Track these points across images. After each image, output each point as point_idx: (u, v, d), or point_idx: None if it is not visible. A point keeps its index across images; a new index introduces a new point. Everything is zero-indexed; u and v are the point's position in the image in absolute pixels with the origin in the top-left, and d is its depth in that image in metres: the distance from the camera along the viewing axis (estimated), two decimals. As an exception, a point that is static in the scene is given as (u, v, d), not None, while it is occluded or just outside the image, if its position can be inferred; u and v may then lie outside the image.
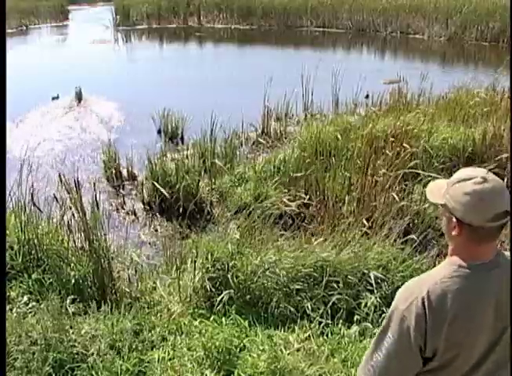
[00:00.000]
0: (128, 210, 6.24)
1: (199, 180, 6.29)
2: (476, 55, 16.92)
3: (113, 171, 6.98)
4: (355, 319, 3.57)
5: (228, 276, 3.74)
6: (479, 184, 1.51)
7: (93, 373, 3.04)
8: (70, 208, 4.15)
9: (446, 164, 6.16)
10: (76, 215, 4.00)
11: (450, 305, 1.52)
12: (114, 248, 4.42)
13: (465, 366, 1.58)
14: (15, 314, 3.39)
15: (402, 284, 1.67)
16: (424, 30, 19.09)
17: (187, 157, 7.11)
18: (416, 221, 5.00)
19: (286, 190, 5.74)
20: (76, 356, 3.15)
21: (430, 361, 1.58)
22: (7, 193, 3.88)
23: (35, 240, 4.04)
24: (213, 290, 3.73)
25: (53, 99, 11.29)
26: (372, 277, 3.75)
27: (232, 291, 3.69)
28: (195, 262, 3.90)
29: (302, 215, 5.32)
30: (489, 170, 1.57)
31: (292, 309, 3.66)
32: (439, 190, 1.61)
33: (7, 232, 4.02)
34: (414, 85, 9.71)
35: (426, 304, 1.52)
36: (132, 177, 7.04)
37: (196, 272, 3.85)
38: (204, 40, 20.79)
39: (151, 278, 4.23)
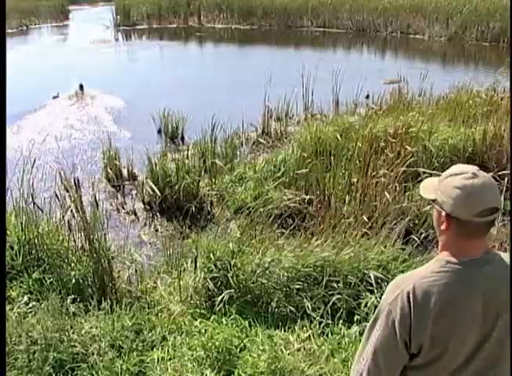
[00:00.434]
0: (129, 209, 6.25)
1: (199, 180, 6.30)
2: (476, 55, 16.91)
3: (114, 171, 6.97)
4: (355, 319, 3.56)
5: (229, 275, 3.74)
6: (469, 179, 1.52)
7: (93, 373, 3.04)
8: (71, 208, 4.15)
9: (446, 164, 6.16)
10: (76, 214, 4.00)
11: (435, 302, 1.51)
12: (114, 248, 4.42)
13: (452, 364, 1.57)
14: (15, 314, 3.39)
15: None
16: (425, 30, 19.09)
17: (187, 156, 7.11)
18: (417, 221, 4.99)
19: (286, 190, 5.74)
20: (76, 356, 3.15)
21: (415, 357, 1.57)
22: (7, 192, 3.88)
23: (35, 240, 4.04)
24: (214, 289, 3.73)
25: (53, 98, 11.31)
26: (372, 277, 3.75)
27: (232, 290, 3.69)
28: (195, 261, 3.90)
29: (302, 214, 5.33)
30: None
31: (292, 309, 3.66)
32: (432, 186, 1.63)
33: (7, 232, 4.02)
34: (414, 85, 9.73)
35: (411, 298, 1.53)
36: (133, 177, 7.04)
37: (197, 271, 3.85)
38: (205, 40, 20.80)
39: (151, 278, 4.23)
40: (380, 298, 1.64)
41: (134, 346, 3.27)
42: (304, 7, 21.69)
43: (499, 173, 5.08)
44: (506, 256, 1.64)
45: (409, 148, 5.60)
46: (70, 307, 3.47)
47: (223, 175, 6.51)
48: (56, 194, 4.50)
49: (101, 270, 3.86)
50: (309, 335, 3.45)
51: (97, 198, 4.35)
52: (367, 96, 10.02)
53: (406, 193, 5.32)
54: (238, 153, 7.51)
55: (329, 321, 3.57)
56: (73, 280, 3.78)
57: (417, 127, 6.50)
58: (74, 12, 28.53)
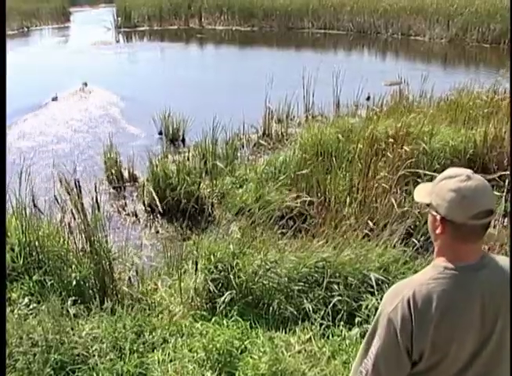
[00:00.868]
0: (129, 211, 6.25)
1: (200, 182, 6.30)
2: (477, 56, 16.91)
3: (114, 173, 6.98)
4: (356, 321, 3.56)
5: (230, 277, 3.74)
6: (463, 182, 1.53)
7: (94, 374, 3.04)
8: (71, 210, 4.15)
9: (447, 165, 6.15)
10: (77, 216, 4.00)
11: (436, 307, 1.51)
12: (115, 250, 4.41)
13: (452, 369, 1.57)
14: (16, 316, 3.39)
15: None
16: (425, 31, 19.09)
17: (188, 158, 7.11)
18: (418, 223, 4.99)
19: (287, 192, 5.74)
20: (77, 358, 3.15)
21: (416, 364, 1.57)
22: (8, 194, 3.88)
23: (36, 242, 4.04)
24: (214, 291, 3.72)
25: (53, 99, 11.33)
26: (373, 279, 3.74)
27: (233, 292, 3.69)
28: (196, 263, 3.90)
29: (303, 216, 5.32)
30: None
31: (293, 311, 3.66)
32: (426, 190, 1.64)
33: (8, 233, 4.02)
34: (415, 87, 9.72)
35: (411, 306, 1.52)
36: (133, 178, 7.04)
37: (198, 273, 3.85)
38: (205, 41, 20.80)
39: (152, 279, 4.23)
40: (381, 299, 1.63)
41: (134, 348, 3.26)
42: (305, 9, 21.69)
43: (500, 175, 5.08)
44: (502, 260, 1.64)
45: (410, 150, 5.59)
46: (71, 309, 3.47)
47: (224, 177, 6.52)
48: (56, 196, 4.50)
49: (102, 272, 3.86)
50: (310, 337, 3.44)
51: (98, 200, 4.33)
52: (368, 98, 10.01)
53: (407, 195, 5.31)
54: (239, 154, 7.50)
55: (330, 323, 3.56)
56: (74, 282, 3.78)
57: (418, 128, 6.50)
58: (75, 13, 28.52)
